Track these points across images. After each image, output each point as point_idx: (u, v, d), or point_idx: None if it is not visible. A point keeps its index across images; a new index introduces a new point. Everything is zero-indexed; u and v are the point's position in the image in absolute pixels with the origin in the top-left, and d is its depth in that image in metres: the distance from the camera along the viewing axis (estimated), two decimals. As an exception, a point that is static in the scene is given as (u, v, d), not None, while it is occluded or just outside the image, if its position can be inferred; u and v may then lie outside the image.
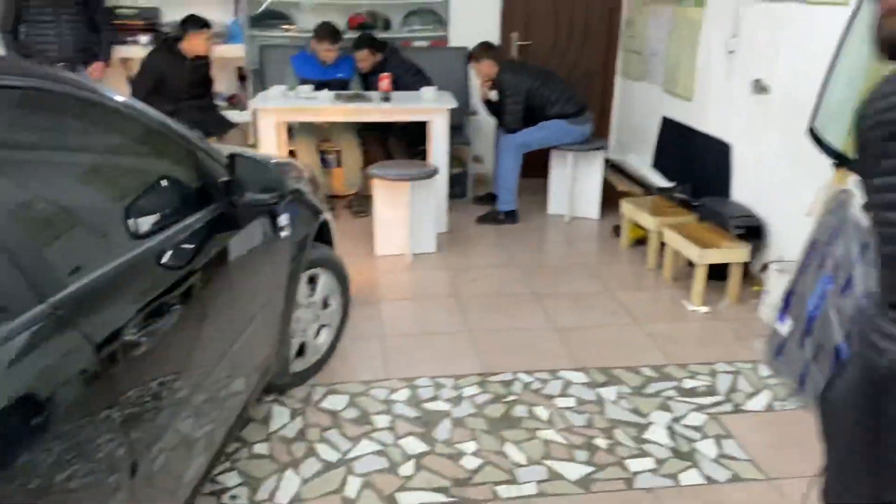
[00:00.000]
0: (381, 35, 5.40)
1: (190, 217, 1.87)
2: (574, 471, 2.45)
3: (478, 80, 5.12)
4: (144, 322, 1.52)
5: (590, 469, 2.46)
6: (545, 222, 5.11)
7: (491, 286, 4.00)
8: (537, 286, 3.98)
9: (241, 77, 5.63)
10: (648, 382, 3.00)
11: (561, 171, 5.09)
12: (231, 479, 2.37)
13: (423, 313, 3.70)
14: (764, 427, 2.73)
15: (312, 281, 2.89)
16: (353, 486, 2.35)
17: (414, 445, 2.57)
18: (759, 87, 3.78)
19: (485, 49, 4.96)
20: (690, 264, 3.80)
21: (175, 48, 4.84)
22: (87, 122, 1.69)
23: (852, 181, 1.93)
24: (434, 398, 2.87)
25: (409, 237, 4.26)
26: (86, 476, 1.32)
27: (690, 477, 2.43)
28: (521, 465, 2.47)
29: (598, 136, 5.32)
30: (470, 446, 2.57)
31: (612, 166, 5.29)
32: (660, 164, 5.01)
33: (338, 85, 4.98)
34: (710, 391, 2.94)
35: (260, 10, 5.53)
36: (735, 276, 3.71)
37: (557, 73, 5.18)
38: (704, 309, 3.67)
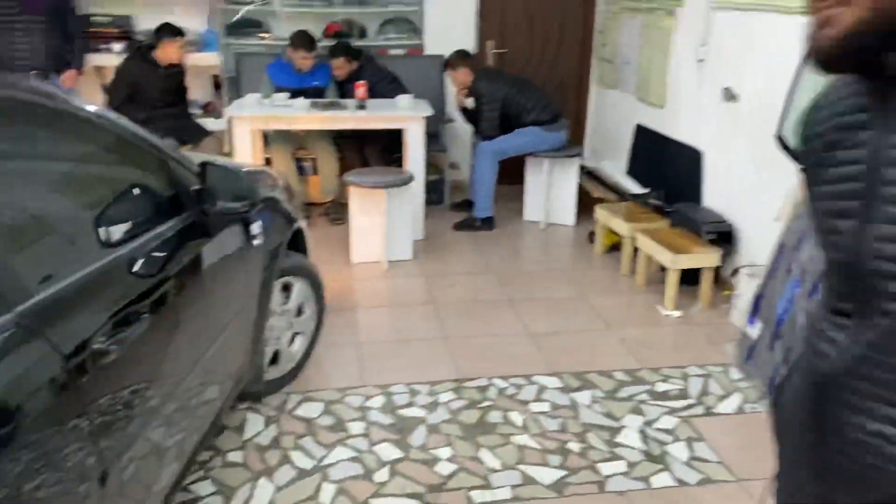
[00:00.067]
0: (357, 43, 5.42)
1: (161, 226, 1.87)
2: (547, 475, 2.47)
3: (454, 88, 5.16)
4: (114, 331, 1.52)
5: (563, 473, 2.48)
6: (521, 229, 5.15)
7: (467, 293, 4.02)
8: (513, 292, 4.01)
9: (217, 85, 5.62)
10: (621, 386, 3.03)
11: (537, 177, 5.13)
12: (204, 487, 2.37)
13: (398, 320, 3.71)
14: (735, 429, 2.77)
15: (286, 289, 2.89)
16: (327, 493, 2.36)
17: (388, 452, 2.58)
18: (729, 95, 3.84)
19: (461, 57, 5.00)
20: (663, 269, 3.85)
21: (149, 56, 4.83)
22: (55, 132, 1.69)
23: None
24: (409, 404, 2.88)
25: (385, 244, 4.28)
26: (55, 485, 1.31)
27: (662, 479, 2.46)
28: (495, 471, 2.49)
29: (574, 143, 5.37)
30: (444, 452, 2.59)
31: (588, 173, 5.34)
32: (634, 170, 5.06)
33: (313, 93, 4.99)
34: (682, 394, 2.98)
35: (236, 18, 5.53)
36: (707, 281, 3.77)
37: (533, 81, 5.24)
38: (677, 313, 3.72)
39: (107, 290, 1.59)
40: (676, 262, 3.68)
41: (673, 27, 4.45)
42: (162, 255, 1.83)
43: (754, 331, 2.91)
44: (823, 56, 0.76)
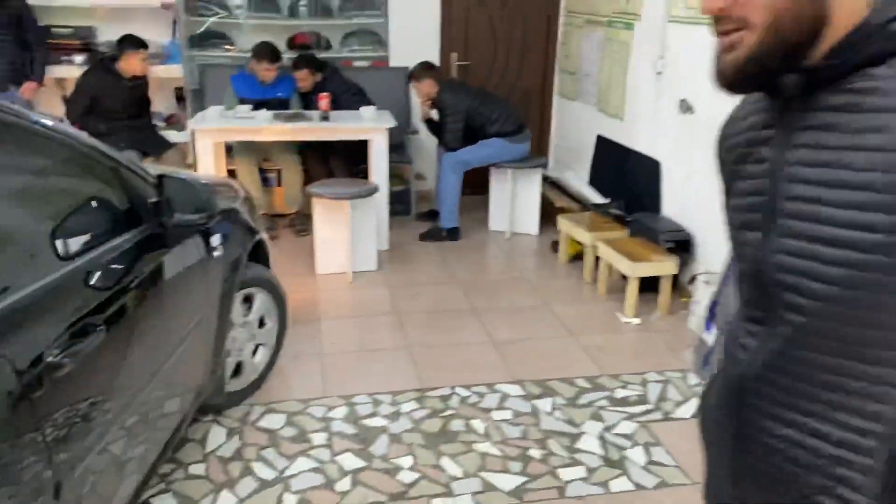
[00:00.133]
0: (321, 55, 5.44)
1: (118, 238, 1.87)
2: (508, 482, 2.50)
3: (419, 100, 5.20)
4: (69, 343, 1.52)
5: (523, 479, 2.52)
6: (486, 238, 5.20)
7: (431, 303, 4.05)
8: (477, 302, 4.05)
9: (180, 97, 5.59)
10: (582, 393, 3.08)
11: (501, 188, 5.19)
12: (166, 501, 2.36)
13: (362, 331, 3.73)
14: (691, 434, 2.79)
15: (248, 300, 2.90)
16: (289, 504, 2.37)
17: (351, 461, 2.60)
18: (685, 107, 3.93)
19: (425, 69, 5.04)
20: (624, 277, 3.91)
21: (112, 68, 4.80)
22: (7, 145, 1.68)
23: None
24: (372, 414, 2.90)
25: (349, 255, 4.29)
26: (8, 499, 1.32)
27: (620, 484, 2.51)
28: (456, 478, 2.52)
29: (537, 153, 5.44)
30: (407, 461, 2.61)
31: (551, 183, 5.41)
32: (595, 181, 5.14)
33: (277, 104, 4.99)
34: (641, 400, 3.03)
35: (200, 30, 5.52)
36: (665, 289, 3.84)
37: (497, 93, 5.30)
38: (637, 321, 3.79)
39: (62, 302, 1.60)
40: (636, 271, 3.75)
41: (631, 40, 4.54)
42: (119, 267, 1.83)
43: (711, 337, 2.98)
44: (727, 80, 0.81)
